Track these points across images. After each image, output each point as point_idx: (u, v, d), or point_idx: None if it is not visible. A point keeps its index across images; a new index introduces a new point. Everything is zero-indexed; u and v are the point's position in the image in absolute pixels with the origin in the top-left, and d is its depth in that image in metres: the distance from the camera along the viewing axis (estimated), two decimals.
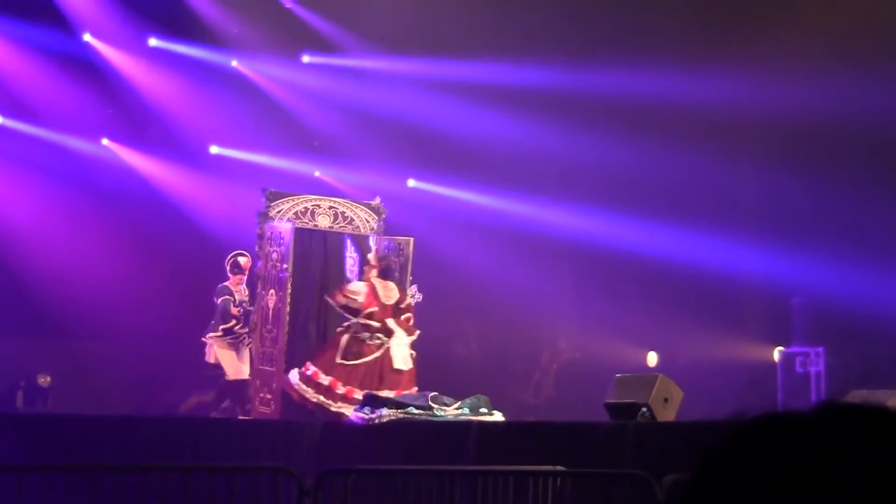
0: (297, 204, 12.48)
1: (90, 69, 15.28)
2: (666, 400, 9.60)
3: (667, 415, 9.55)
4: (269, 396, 11.74)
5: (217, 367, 13.14)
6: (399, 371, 11.39)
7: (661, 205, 14.98)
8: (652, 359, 15.29)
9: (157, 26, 15.64)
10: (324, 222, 12.53)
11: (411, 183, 16.29)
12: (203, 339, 12.60)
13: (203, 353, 13.17)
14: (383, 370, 11.41)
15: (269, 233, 12.25)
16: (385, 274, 11.88)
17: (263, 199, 12.30)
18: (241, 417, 12.01)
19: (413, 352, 11.63)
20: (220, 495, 8.54)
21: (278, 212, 12.32)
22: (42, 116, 15.15)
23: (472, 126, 15.69)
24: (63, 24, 15.15)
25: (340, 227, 12.60)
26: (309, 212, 12.51)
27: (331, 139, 16.16)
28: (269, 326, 12.09)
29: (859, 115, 13.55)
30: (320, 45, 16.07)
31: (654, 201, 15.01)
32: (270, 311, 12.15)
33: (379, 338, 11.51)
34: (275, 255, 12.22)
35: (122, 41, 15.53)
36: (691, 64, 14.42)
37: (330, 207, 12.63)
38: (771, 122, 14.48)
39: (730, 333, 14.99)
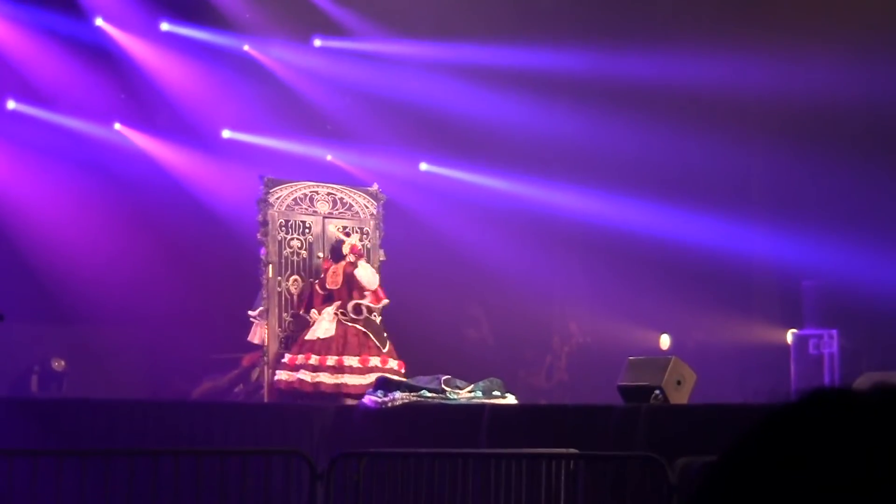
0: (295, 190, 12.51)
1: (102, 54, 15.28)
2: (679, 382, 9.58)
3: (680, 397, 9.53)
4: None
5: (233, 351, 13.20)
6: (316, 339, 11.70)
7: (672, 188, 14.94)
8: (665, 341, 15.27)
9: (168, 11, 15.63)
10: (323, 209, 12.56)
11: (423, 167, 16.27)
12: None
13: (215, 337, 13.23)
14: (302, 339, 11.82)
15: (284, 220, 12.32)
16: (335, 256, 12.18)
17: (262, 187, 12.34)
18: (255, 401, 12.06)
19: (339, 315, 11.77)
20: (233, 479, 8.56)
21: (277, 198, 12.35)
22: (54, 101, 15.15)
23: (485, 110, 15.65)
24: (75, 9, 15.15)
25: (339, 213, 12.63)
26: (307, 198, 12.53)
27: (343, 123, 16.14)
28: (293, 311, 12.23)
29: (873, 99, 13.50)
30: (332, 28, 16.03)
31: (665, 184, 14.98)
32: (295, 297, 12.26)
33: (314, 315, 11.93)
34: (296, 244, 12.32)
35: (134, 26, 15.52)
36: (702, 48, 14.36)
37: (328, 194, 12.65)
38: (783, 105, 14.42)
39: (742, 316, 14.97)
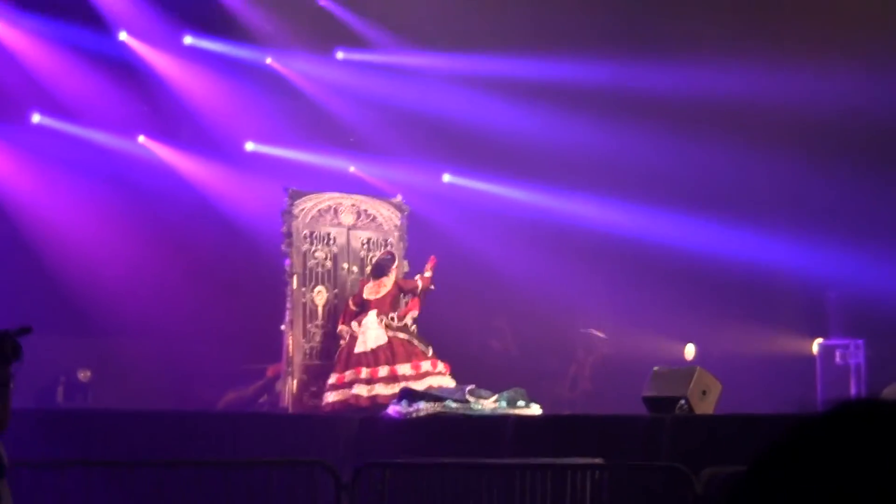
0: (319, 202, 12.52)
1: (126, 68, 15.35)
2: (704, 393, 9.54)
3: (705, 408, 9.48)
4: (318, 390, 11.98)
5: (257, 362, 13.22)
6: (362, 352, 11.61)
7: (697, 199, 14.89)
8: (690, 351, 15.18)
9: (192, 24, 15.69)
10: (347, 220, 12.57)
11: (446, 178, 16.28)
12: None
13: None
14: (349, 355, 11.69)
15: (309, 231, 12.35)
16: (377, 273, 12.13)
17: (286, 198, 12.36)
18: (280, 411, 12.05)
19: (388, 325, 11.71)
20: (258, 490, 8.55)
21: (301, 210, 12.37)
22: (79, 115, 15.22)
23: (507, 121, 15.64)
24: (99, 24, 15.23)
25: (364, 224, 12.63)
26: (332, 210, 12.54)
27: (366, 135, 16.16)
28: (318, 322, 12.23)
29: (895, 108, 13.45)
30: (354, 41, 16.07)
31: (690, 196, 14.93)
32: (320, 308, 12.27)
33: (349, 331, 11.84)
34: (320, 255, 12.34)
35: (158, 40, 15.59)
36: (726, 59, 14.33)
37: (352, 205, 12.66)
38: (807, 116, 14.34)
39: (768, 326, 14.88)
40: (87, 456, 9.15)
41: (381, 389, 11.40)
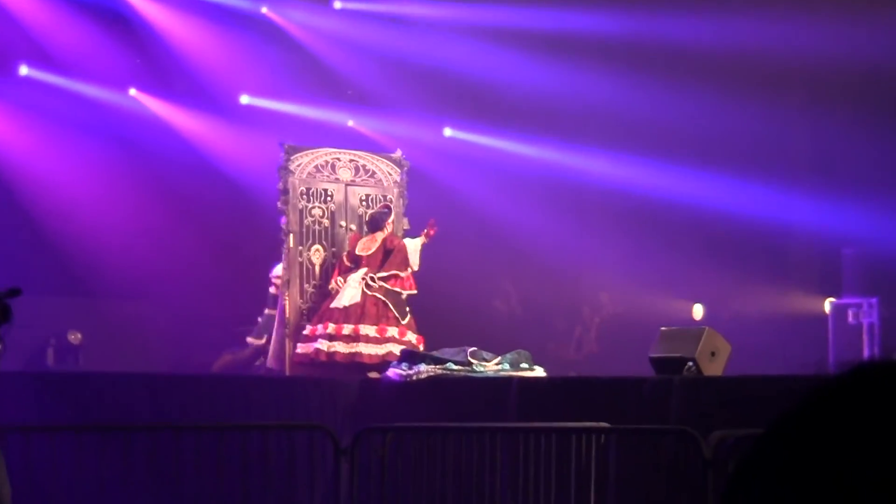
0: (316, 157, 12.25)
1: (117, 18, 15.10)
2: (713, 354, 9.41)
3: (714, 369, 9.36)
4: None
5: (254, 323, 13.04)
6: (338, 308, 11.44)
7: (707, 154, 14.76)
8: (698, 312, 15.11)
9: None
10: (345, 176, 12.31)
11: (448, 132, 16.06)
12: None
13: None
14: (325, 309, 11.59)
15: (305, 188, 12.09)
16: (372, 227, 11.92)
17: (282, 154, 12.09)
18: (276, 375, 11.87)
19: (369, 286, 11.48)
20: (255, 454, 8.47)
21: (298, 165, 12.11)
22: (68, 67, 14.98)
23: (512, 74, 15.45)
24: None
25: (362, 180, 12.36)
26: (329, 165, 12.28)
27: (364, 88, 15.94)
28: (314, 282, 12.01)
29: None
30: None
31: (700, 150, 14.79)
32: (317, 268, 12.04)
33: (337, 284, 11.70)
34: (317, 212, 12.09)
35: None
36: (741, 10, 14.11)
37: (350, 161, 12.39)
38: (823, 70, 14.16)
39: (778, 284, 14.80)
40: (78, 420, 9.00)
41: (340, 347, 11.27)
